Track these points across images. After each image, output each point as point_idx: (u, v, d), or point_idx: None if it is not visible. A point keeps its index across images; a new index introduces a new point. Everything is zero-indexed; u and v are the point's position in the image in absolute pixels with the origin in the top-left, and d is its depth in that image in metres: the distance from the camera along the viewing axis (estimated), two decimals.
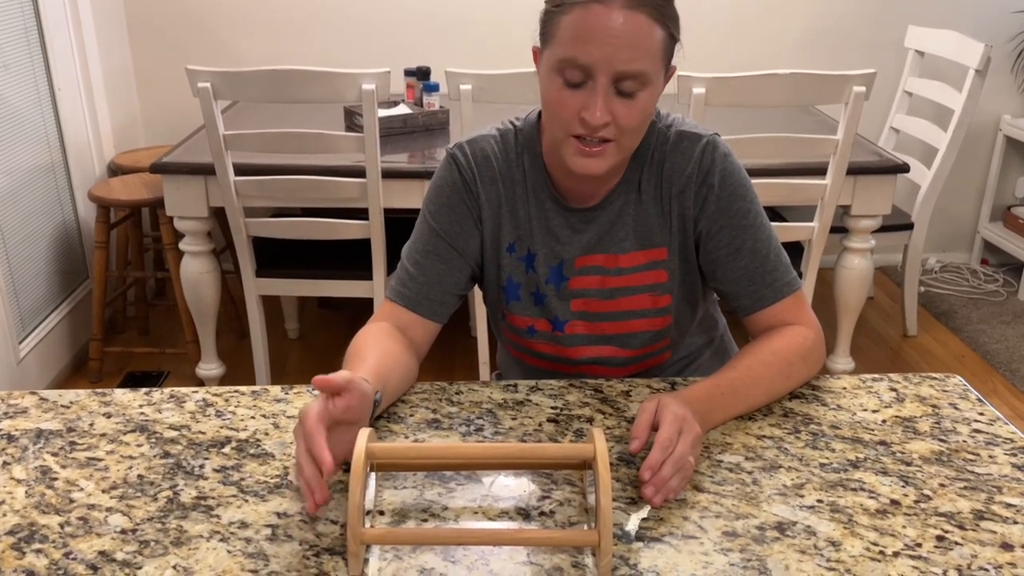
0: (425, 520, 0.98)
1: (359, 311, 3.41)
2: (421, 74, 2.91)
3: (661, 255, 1.27)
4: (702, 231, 1.25)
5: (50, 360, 2.83)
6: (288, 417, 1.16)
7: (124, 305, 3.23)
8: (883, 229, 2.79)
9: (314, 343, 3.20)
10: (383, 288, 2.53)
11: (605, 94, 1.10)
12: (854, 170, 2.47)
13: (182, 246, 2.58)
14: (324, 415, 0.96)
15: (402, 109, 2.81)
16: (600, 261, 1.28)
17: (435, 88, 2.85)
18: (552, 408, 1.19)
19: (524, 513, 0.99)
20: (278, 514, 0.98)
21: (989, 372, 2.97)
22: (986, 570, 0.91)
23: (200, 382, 2.76)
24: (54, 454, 1.09)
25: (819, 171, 2.44)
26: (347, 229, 2.46)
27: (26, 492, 1.02)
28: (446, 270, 1.28)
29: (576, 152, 1.14)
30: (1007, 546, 0.94)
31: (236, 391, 1.23)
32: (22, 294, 2.69)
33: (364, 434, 0.93)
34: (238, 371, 2.93)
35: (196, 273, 2.58)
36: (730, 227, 1.24)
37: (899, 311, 3.27)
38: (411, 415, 1.17)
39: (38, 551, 0.93)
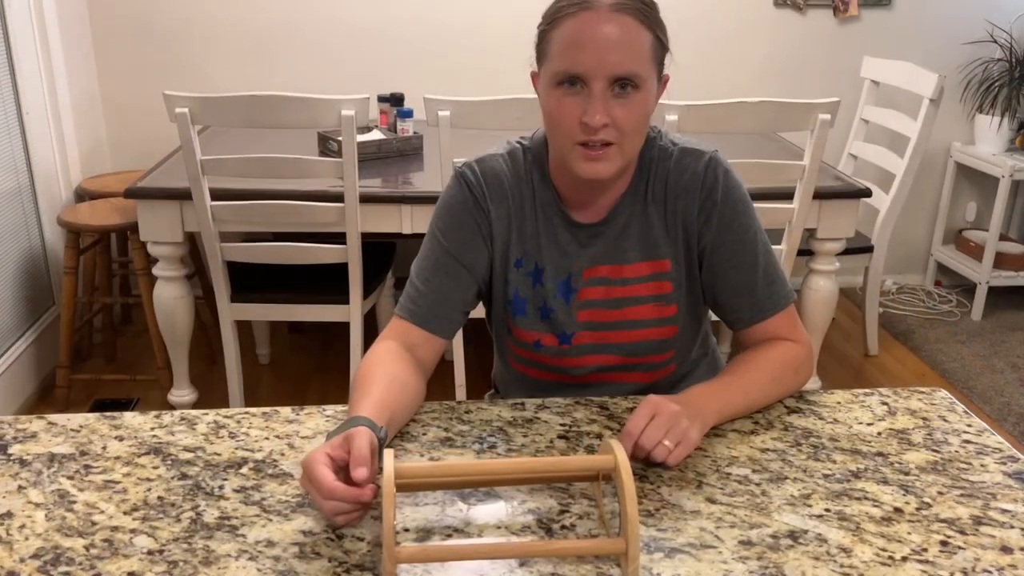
0: (450, 535, 1.00)
1: (330, 335, 3.40)
2: (394, 100, 2.94)
3: (665, 267, 1.32)
4: (706, 245, 1.30)
5: (15, 388, 2.78)
6: (302, 438, 1.18)
7: (91, 331, 3.19)
8: (845, 252, 2.88)
9: (286, 368, 3.19)
10: (359, 312, 2.54)
11: (602, 98, 1.15)
12: (819, 194, 2.55)
13: (156, 271, 2.56)
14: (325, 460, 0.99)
15: (376, 135, 2.83)
16: (605, 272, 1.32)
17: (408, 114, 2.88)
18: (561, 425, 1.22)
19: (546, 527, 1.01)
20: (304, 532, 1.00)
21: (949, 389, 3.06)
22: (990, 572, 0.95)
23: (172, 409, 2.73)
24: (69, 477, 1.09)
25: (784, 195, 2.51)
26: (324, 253, 2.47)
27: (46, 515, 1.02)
28: (455, 287, 1.31)
29: (582, 158, 1.19)
30: (1007, 549, 0.99)
31: (247, 413, 1.23)
32: None
33: (390, 455, 0.95)
34: (210, 397, 2.91)
35: (170, 298, 2.57)
36: (732, 242, 1.29)
37: (860, 331, 3.36)
38: (424, 434, 1.19)
39: (65, 573, 0.93)
